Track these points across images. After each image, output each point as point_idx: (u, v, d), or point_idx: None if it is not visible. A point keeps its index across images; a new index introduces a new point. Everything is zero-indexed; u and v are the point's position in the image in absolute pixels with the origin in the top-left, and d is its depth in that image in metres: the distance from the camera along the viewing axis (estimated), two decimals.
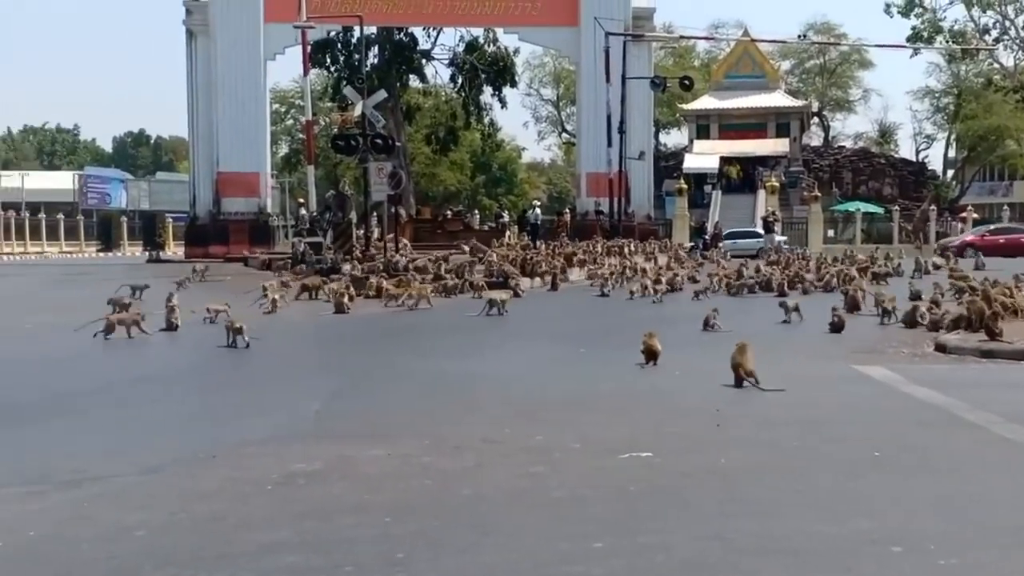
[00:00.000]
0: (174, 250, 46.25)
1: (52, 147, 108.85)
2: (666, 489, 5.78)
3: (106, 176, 78.88)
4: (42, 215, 57.58)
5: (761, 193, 51.41)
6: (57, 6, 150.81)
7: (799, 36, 63.75)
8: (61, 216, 59.29)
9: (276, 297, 17.36)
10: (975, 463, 6.38)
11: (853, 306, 15.71)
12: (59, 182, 75.44)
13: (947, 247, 33.66)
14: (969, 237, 39.55)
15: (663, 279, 20.92)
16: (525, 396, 8.96)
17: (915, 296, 16.41)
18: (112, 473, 6.32)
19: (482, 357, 11.89)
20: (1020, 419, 7.54)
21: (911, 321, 14.00)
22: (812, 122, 71.92)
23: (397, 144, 35.06)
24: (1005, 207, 55.40)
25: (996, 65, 55.62)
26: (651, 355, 10.55)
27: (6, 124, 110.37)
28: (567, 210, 38.62)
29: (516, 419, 7.84)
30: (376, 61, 48.11)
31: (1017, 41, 52.34)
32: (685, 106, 61.53)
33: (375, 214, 30.35)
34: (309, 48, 34.13)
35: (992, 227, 43.50)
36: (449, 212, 47.74)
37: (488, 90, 49.97)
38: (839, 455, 6.56)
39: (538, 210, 42.34)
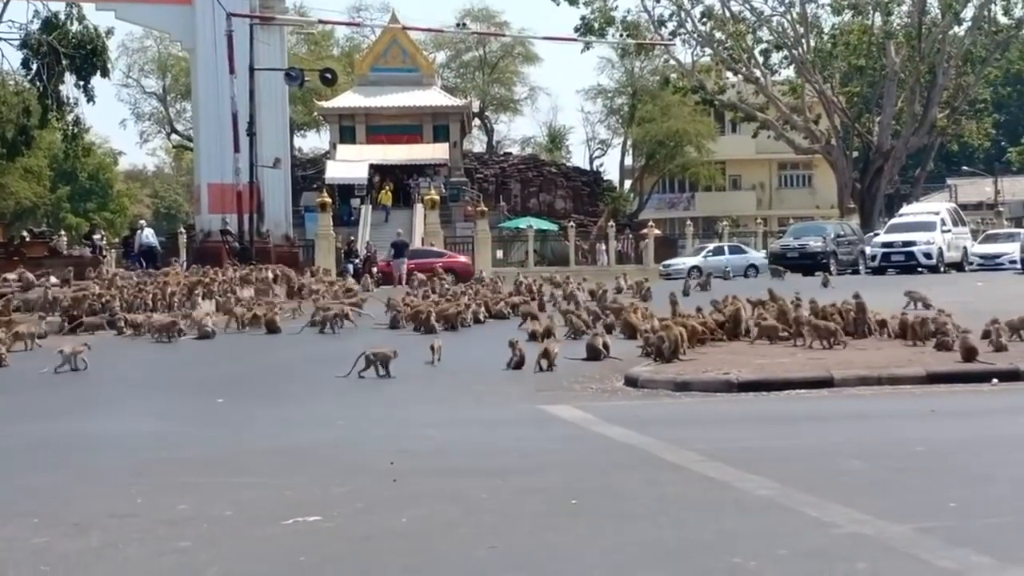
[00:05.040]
0: None
1: None
2: (343, 557, 6.00)
3: None
4: None
5: (419, 208, 52.69)
6: None
7: (456, 24, 66.04)
8: None
9: None
10: (679, 506, 7.05)
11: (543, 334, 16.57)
12: None
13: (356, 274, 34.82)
14: (381, 263, 40.17)
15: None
16: (158, 459, 8.89)
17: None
18: None
19: (94, 416, 11.60)
20: (720, 456, 8.39)
21: (594, 353, 15.03)
22: (474, 124, 74.75)
23: None
24: (688, 222, 60.06)
25: (672, 62, 60.17)
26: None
27: None
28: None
29: (149, 487, 7.79)
30: None
31: (695, 35, 56.88)
32: (326, 104, 61.94)
33: None
34: None
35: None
36: (26, 234, 45.49)
37: (72, 79, 48.17)
38: (534, 506, 7.04)
39: (149, 230, 40.75)
